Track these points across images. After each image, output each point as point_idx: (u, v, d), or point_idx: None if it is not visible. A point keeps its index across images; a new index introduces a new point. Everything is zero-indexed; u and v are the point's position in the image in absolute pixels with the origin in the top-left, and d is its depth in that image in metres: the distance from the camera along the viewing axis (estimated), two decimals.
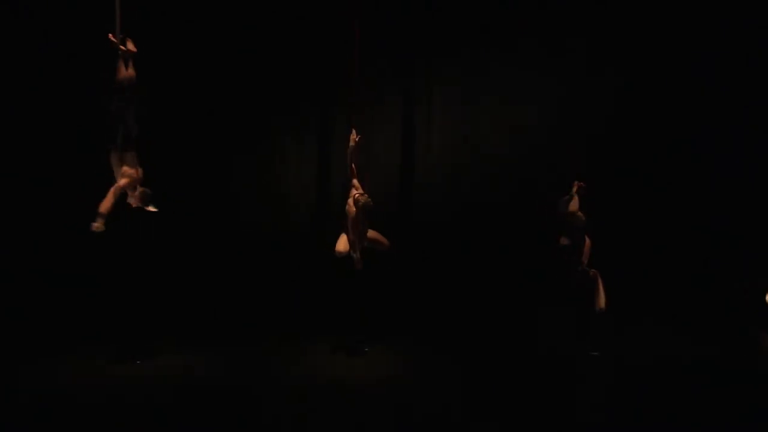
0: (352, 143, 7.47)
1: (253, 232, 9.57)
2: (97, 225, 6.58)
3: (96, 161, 8.75)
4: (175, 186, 7.06)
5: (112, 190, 6.75)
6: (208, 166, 9.48)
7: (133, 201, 6.92)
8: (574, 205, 7.49)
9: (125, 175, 6.80)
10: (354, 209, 7.26)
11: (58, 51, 8.91)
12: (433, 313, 9.05)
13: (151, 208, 6.92)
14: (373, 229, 7.50)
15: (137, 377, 6.84)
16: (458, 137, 9.85)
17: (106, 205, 6.65)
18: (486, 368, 7.20)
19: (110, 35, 6.79)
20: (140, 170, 6.91)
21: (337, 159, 9.44)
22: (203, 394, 6.45)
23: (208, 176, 9.49)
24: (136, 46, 6.96)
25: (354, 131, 7.50)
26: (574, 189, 7.58)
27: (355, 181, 7.43)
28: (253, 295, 9.24)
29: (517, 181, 9.71)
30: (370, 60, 7.39)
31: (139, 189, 6.88)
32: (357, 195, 7.27)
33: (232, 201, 9.62)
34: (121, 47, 6.85)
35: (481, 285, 9.45)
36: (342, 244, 7.46)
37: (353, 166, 7.49)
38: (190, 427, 5.74)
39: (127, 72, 6.84)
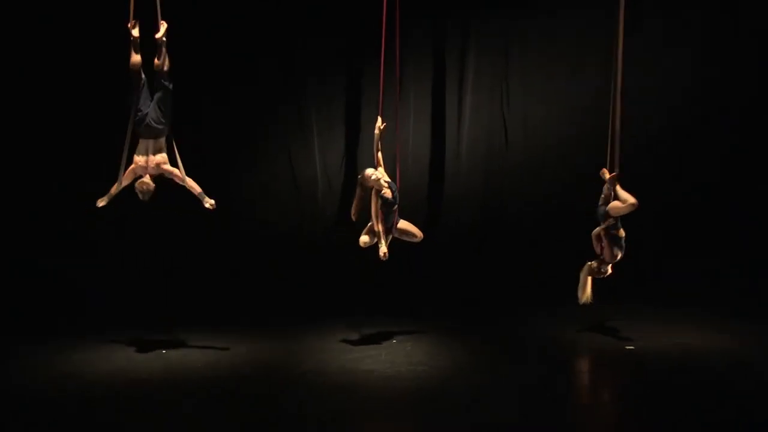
0: (377, 131, 7.22)
1: (277, 222, 9.60)
2: (100, 201, 6.66)
3: (96, 158, 8.89)
4: (195, 175, 6.92)
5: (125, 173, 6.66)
6: (230, 154, 9.49)
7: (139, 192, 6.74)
8: (616, 209, 6.97)
9: (136, 162, 6.68)
10: (378, 201, 7.07)
11: (59, 50, 8.88)
12: (461, 303, 8.99)
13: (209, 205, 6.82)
14: (405, 218, 7.30)
15: (159, 367, 6.74)
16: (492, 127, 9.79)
17: (115, 186, 6.66)
18: (516, 359, 7.03)
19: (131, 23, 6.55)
20: (154, 160, 6.71)
21: (364, 146, 9.47)
22: (229, 384, 6.34)
23: (231, 166, 9.48)
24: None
25: (380, 118, 7.23)
26: (606, 185, 7.11)
27: (381, 170, 7.17)
28: (275, 285, 9.22)
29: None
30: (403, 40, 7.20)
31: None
32: (384, 191, 7.07)
33: (256, 190, 9.63)
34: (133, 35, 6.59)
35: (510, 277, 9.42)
36: (366, 235, 7.17)
37: (379, 155, 7.24)
38: (215, 419, 5.65)
39: (137, 58, 6.61)
